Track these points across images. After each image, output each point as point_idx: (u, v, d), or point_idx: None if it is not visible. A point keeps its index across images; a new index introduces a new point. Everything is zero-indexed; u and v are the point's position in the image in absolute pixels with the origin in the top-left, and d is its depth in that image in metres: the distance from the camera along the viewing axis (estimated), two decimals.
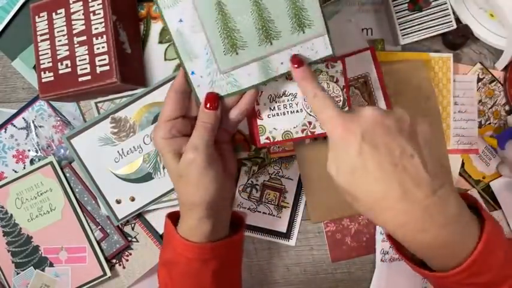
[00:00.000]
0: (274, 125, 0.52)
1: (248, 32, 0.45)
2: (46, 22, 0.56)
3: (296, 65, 0.44)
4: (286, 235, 0.65)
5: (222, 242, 0.49)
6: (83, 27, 0.54)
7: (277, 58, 0.46)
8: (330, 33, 0.46)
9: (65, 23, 0.55)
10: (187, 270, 0.48)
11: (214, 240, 0.48)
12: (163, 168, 0.58)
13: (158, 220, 0.62)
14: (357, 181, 0.38)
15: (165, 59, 0.58)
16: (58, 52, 0.55)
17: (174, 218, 0.51)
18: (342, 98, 0.53)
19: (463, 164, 0.65)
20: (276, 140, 0.52)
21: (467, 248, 0.38)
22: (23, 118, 0.64)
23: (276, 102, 0.51)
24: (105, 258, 0.62)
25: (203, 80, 0.46)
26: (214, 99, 0.46)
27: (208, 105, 0.46)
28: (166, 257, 0.51)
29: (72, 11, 0.54)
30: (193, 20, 0.44)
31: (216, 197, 0.46)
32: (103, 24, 0.53)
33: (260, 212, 0.65)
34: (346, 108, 0.53)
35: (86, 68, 0.54)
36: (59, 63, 0.55)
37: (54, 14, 0.55)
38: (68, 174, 0.62)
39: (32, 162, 0.63)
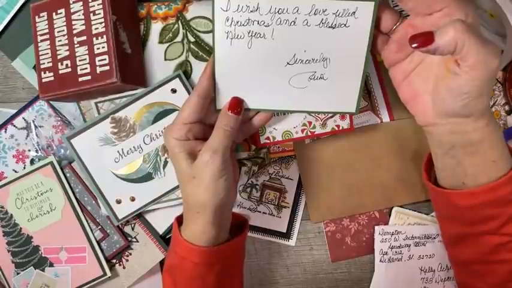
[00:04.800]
0: (274, 125, 0.52)
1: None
2: (46, 22, 0.56)
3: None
4: (286, 235, 0.65)
5: (227, 245, 0.49)
6: (83, 27, 0.54)
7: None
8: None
9: (65, 23, 0.55)
10: (192, 274, 0.48)
11: (217, 244, 0.48)
12: (164, 168, 0.58)
13: (158, 220, 0.62)
14: None
15: (165, 59, 0.58)
16: (58, 52, 0.55)
17: (181, 221, 0.50)
18: None
19: None
20: (276, 140, 0.52)
21: (503, 168, 0.43)
22: (23, 118, 0.64)
23: None
24: (105, 258, 0.62)
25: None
26: (239, 104, 0.47)
27: (232, 109, 0.46)
28: (171, 262, 0.51)
29: (72, 11, 0.54)
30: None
31: (224, 201, 0.46)
32: (103, 24, 0.53)
33: (260, 212, 0.65)
34: None
35: (86, 68, 0.54)
36: (59, 63, 0.55)
37: (54, 14, 0.55)
38: (68, 174, 0.62)
39: (32, 162, 0.63)
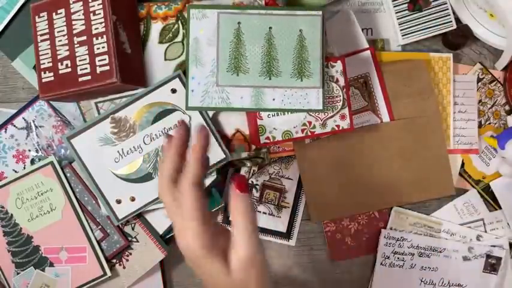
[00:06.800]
0: (274, 125, 0.52)
1: (254, 61, 0.52)
2: (46, 22, 0.56)
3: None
4: (286, 235, 0.65)
5: None
6: (83, 27, 0.54)
7: (271, 93, 0.52)
8: (325, 89, 0.52)
9: (65, 23, 0.55)
10: None
11: None
12: None
13: (158, 220, 0.62)
14: None
15: (165, 59, 0.58)
16: (58, 52, 0.55)
17: None
18: (341, 98, 0.53)
19: (463, 164, 0.65)
20: (276, 140, 0.52)
21: None
22: (23, 118, 0.64)
23: None
24: (105, 258, 0.62)
25: (199, 87, 0.52)
26: (246, 183, 0.41)
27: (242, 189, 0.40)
28: None
29: (72, 11, 0.54)
30: (212, 34, 0.52)
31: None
32: (103, 24, 0.53)
33: (260, 212, 0.65)
34: (346, 109, 0.53)
35: (86, 68, 0.54)
36: (59, 63, 0.55)
37: (54, 14, 0.55)
38: (68, 174, 0.62)
39: (32, 162, 0.63)
